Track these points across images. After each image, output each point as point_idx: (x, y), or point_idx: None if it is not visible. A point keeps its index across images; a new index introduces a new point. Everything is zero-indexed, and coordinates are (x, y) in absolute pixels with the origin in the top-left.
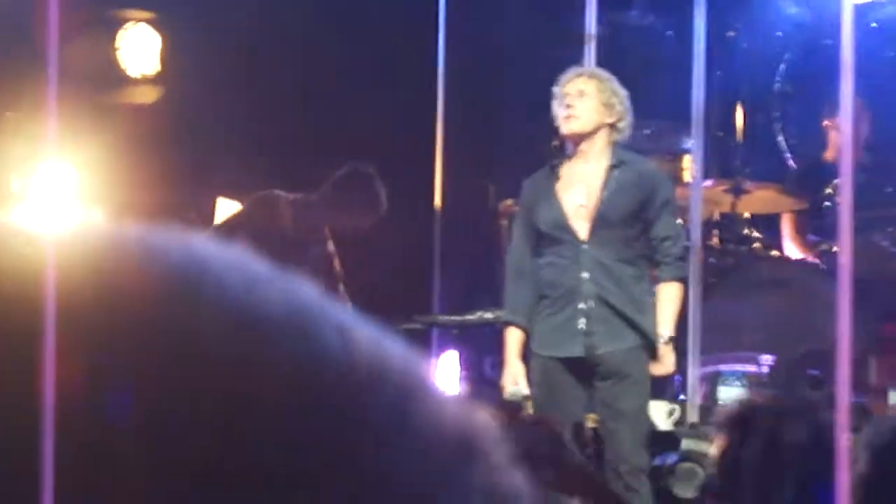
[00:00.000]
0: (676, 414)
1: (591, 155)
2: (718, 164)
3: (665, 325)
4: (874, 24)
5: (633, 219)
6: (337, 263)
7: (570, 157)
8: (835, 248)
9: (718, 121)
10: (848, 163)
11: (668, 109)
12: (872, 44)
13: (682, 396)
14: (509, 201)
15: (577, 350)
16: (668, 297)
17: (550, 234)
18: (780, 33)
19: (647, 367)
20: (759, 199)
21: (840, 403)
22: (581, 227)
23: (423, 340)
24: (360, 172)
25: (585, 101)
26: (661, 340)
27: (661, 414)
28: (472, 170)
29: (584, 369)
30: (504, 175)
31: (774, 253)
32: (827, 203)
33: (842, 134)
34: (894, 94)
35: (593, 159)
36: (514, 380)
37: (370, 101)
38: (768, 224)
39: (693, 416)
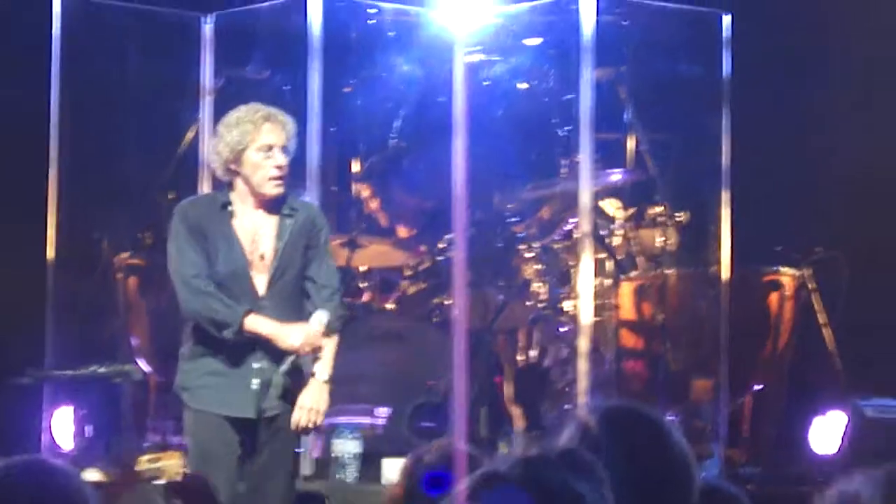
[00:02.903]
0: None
1: (267, 202)
2: (334, 218)
3: (323, 365)
4: (486, 83)
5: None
6: None
7: (236, 198)
8: (447, 302)
9: (334, 176)
10: (461, 218)
11: None
12: (484, 101)
13: (298, 449)
14: (125, 254)
15: (249, 411)
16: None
17: (225, 283)
18: (394, 90)
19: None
20: (374, 253)
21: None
22: (259, 282)
23: (35, 395)
24: None
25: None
26: (319, 377)
27: None
28: (87, 223)
29: (249, 427)
30: (118, 228)
31: (389, 306)
32: (439, 257)
33: (456, 188)
34: (504, 151)
35: (268, 206)
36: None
37: None
38: (384, 278)
39: (307, 469)
